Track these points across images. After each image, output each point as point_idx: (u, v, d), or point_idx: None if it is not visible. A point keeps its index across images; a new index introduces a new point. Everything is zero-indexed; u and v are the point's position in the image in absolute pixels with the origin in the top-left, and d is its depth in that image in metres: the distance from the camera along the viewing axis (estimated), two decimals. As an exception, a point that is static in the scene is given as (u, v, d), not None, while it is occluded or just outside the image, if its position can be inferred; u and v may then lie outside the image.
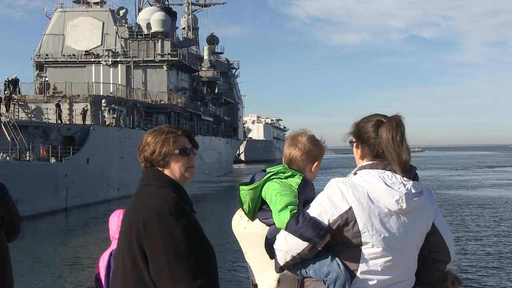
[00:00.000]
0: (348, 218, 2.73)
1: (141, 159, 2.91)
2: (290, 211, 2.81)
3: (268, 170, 3.07)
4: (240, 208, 3.28)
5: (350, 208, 2.73)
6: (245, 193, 3.03)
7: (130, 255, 2.71)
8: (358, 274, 2.76)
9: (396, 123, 2.81)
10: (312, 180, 3.10)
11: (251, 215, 3.08)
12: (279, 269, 2.95)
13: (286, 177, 3.00)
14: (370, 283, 2.76)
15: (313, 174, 3.10)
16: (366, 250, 2.74)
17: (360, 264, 2.76)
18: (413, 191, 2.76)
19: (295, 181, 2.97)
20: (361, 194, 2.75)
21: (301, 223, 2.75)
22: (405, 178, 2.78)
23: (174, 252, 2.63)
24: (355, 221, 2.73)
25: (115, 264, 2.84)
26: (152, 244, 2.65)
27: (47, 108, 40.00)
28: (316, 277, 2.83)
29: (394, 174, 2.78)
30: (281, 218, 2.82)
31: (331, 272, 2.76)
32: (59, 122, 38.25)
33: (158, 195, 2.74)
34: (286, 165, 3.08)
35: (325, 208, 2.77)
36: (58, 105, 39.24)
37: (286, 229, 2.81)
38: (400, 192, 2.73)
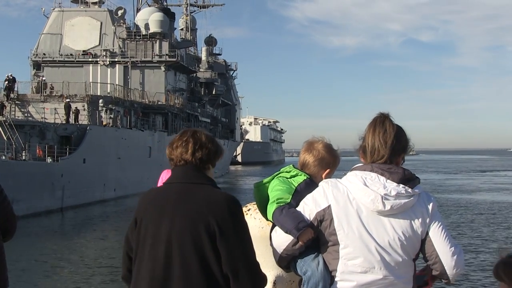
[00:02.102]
0: (325, 216, 2.79)
1: (194, 158, 3.01)
2: (277, 203, 2.94)
3: (281, 170, 3.20)
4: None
5: (329, 206, 2.80)
6: (256, 190, 3.17)
7: (196, 251, 2.82)
8: (337, 274, 2.78)
9: (371, 122, 2.91)
10: None
11: (264, 213, 3.15)
12: (279, 266, 3.03)
13: (291, 177, 3.12)
14: (350, 284, 2.76)
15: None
16: (342, 250, 2.76)
17: (338, 264, 2.78)
18: (393, 193, 2.74)
19: (297, 180, 3.08)
20: (341, 193, 2.81)
21: (284, 214, 2.86)
22: (389, 181, 2.77)
23: (249, 246, 2.87)
24: (332, 219, 2.78)
25: (158, 261, 2.86)
26: (229, 239, 2.82)
27: (43, 108, 39.94)
28: (300, 274, 2.90)
29: (379, 176, 2.79)
30: (270, 209, 2.97)
31: (308, 270, 2.83)
32: (71, 123, 38.23)
33: (221, 193, 2.93)
34: (292, 166, 3.19)
35: (307, 205, 2.86)
36: (68, 106, 39.16)
37: (272, 219, 2.93)
38: (377, 192, 2.74)
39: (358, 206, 2.77)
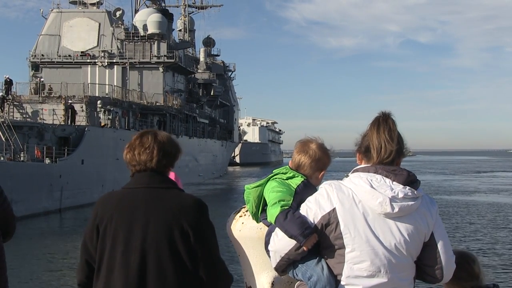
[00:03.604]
0: (330, 219, 2.74)
1: (159, 165, 3.00)
2: (281, 206, 2.87)
3: (274, 171, 3.14)
4: (235, 211, 3.33)
5: (334, 209, 2.75)
6: (249, 192, 3.11)
7: (172, 255, 2.82)
8: (342, 278, 2.75)
9: (374, 121, 2.88)
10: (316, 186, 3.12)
11: (256, 215, 3.12)
12: (276, 270, 2.97)
13: (287, 178, 3.06)
14: None
15: (318, 181, 3.13)
16: (349, 254, 2.73)
17: (344, 268, 2.74)
18: (401, 195, 2.72)
19: (295, 182, 3.03)
20: (346, 196, 2.76)
21: (289, 219, 2.79)
22: (395, 183, 2.75)
23: (218, 248, 2.94)
24: (337, 223, 2.73)
25: (132, 268, 2.82)
26: (204, 242, 2.88)
27: (42, 109, 39.92)
28: (303, 279, 2.86)
29: (384, 178, 2.76)
30: (272, 212, 2.89)
31: (313, 275, 2.78)
32: (72, 124, 38.20)
33: (190, 196, 2.95)
34: (288, 167, 3.13)
35: (310, 208, 2.80)
36: (71, 107, 39.11)
37: (274, 223, 2.86)
38: (385, 195, 2.71)
39: (364, 208, 2.73)
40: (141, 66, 52.44)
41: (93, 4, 53.44)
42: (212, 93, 70.74)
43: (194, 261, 2.85)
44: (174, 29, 65.13)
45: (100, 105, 41.02)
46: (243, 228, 3.23)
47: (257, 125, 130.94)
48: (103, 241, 2.88)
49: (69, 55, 51.59)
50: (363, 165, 2.88)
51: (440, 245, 2.81)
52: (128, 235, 2.85)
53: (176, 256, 2.81)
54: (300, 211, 2.83)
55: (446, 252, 2.82)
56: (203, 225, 2.89)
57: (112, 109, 42.29)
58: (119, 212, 2.89)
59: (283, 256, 2.83)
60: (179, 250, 2.82)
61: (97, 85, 47.30)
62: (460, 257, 3.17)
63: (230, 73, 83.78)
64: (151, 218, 2.85)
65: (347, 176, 2.88)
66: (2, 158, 30.39)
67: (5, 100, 39.35)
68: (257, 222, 3.14)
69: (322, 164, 3.12)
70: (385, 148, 2.81)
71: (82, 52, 51.90)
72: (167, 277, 2.80)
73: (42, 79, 45.61)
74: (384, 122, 2.85)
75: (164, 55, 52.96)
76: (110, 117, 41.51)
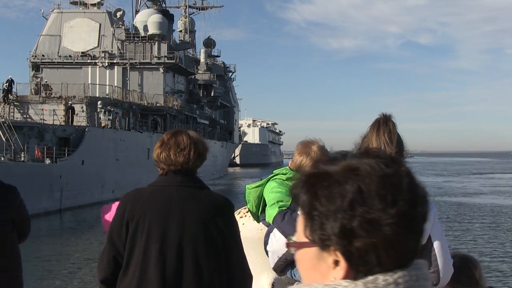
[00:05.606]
0: None
1: (194, 166, 3.03)
2: (279, 207, 2.91)
3: (274, 172, 3.15)
4: (235, 212, 3.34)
5: None
6: (249, 192, 3.14)
7: (209, 253, 2.85)
8: None
9: (374, 123, 2.89)
10: None
11: (256, 215, 3.13)
12: (274, 270, 2.98)
13: (287, 179, 3.08)
14: None
15: None
16: None
17: None
18: None
19: None
20: None
21: (286, 220, 2.83)
22: None
23: (242, 243, 2.98)
24: None
25: (169, 265, 2.83)
26: (235, 241, 2.93)
27: (42, 109, 39.92)
28: (299, 280, 2.85)
29: None
30: (270, 212, 2.95)
31: None
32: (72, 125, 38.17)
33: (221, 196, 3.02)
34: (288, 167, 3.13)
35: None
36: (71, 108, 39.09)
37: (272, 223, 2.90)
38: None
39: None
40: (141, 66, 52.41)
41: (93, 5, 53.44)
42: (212, 94, 70.72)
43: (226, 258, 2.88)
44: (174, 30, 65.14)
45: (100, 106, 41.02)
46: (244, 229, 3.25)
47: (257, 126, 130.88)
48: (134, 237, 2.87)
49: (70, 56, 51.57)
50: None
51: (436, 249, 2.79)
52: (165, 231, 2.85)
53: (211, 253, 2.84)
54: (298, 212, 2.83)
55: (443, 255, 2.80)
56: (233, 223, 2.94)
57: (112, 109, 42.28)
58: (153, 208, 2.88)
59: (281, 257, 2.85)
60: (214, 246, 2.85)
61: (97, 85, 47.26)
62: (461, 261, 3.15)
63: (230, 74, 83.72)
64: (188, 215, 2.86)
65: None
66: (2, 159, 30.41)
67: (6, 101, 39.34)
68: (258, 222, 3.16)
69: None
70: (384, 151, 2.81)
71: (82, 52, 51.87)
72: (203, 272, 2.82)
73: (45, 80, 45.60)
74: (384, 124, 2.85)
75: (165, 56, 52.93)
76: (111, 117, 41.51)
